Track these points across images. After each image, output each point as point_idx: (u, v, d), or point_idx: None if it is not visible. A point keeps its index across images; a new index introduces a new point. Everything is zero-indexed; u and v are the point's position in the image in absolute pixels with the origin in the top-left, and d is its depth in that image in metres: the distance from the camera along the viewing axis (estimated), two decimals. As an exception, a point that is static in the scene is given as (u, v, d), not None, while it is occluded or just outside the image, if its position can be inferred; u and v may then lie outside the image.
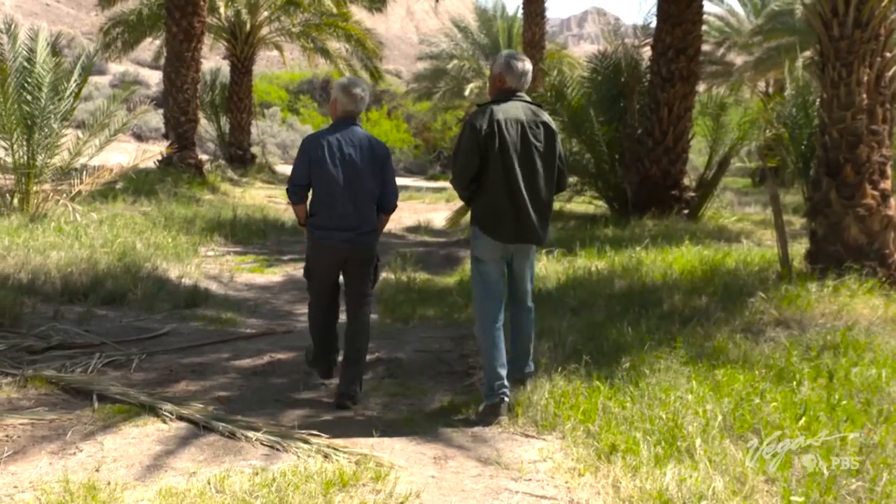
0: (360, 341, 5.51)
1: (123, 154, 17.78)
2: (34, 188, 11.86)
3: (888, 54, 7.97)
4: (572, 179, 14.72)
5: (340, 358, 5.64)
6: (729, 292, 7.56)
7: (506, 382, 4.97)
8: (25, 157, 11.85)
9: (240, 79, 24.48)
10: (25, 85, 11.83)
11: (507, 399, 4.96)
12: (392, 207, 5.65)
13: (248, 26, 24.37)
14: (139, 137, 31.35)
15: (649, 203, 13.64)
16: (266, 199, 18.85)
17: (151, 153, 16.05)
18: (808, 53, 17.65)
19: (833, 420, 4.46)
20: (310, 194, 5.51)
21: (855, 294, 7.09)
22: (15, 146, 11.81)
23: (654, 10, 14.38)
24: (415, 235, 15.40)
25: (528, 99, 5.14)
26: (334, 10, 24.25)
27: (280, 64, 45.89)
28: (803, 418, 4.49)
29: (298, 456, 4.25)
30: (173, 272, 9.37)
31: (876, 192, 7.84)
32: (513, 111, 4.99)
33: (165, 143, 17.82)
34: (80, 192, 12.30)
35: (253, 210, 15.81)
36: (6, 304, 6.93)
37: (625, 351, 5.90)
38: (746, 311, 6.92)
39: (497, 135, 4.88)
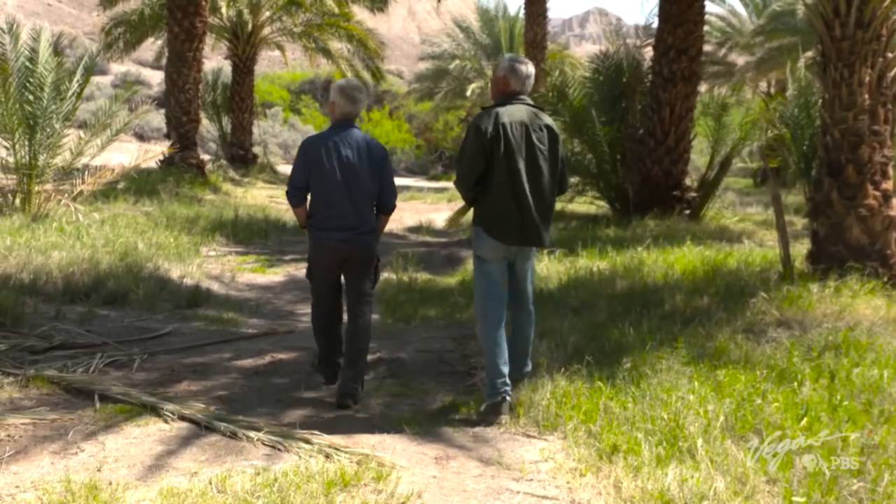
0: (360, 341, 5.52)
1: (125, 154, 17.80)
2: (36, 188, 11.87)
3: (890, 55, 7.96)
4: (574, 180, 14.73)
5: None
6: (730, 293, 7.56)
7: (508, 381, 4.98)
8: (27, 157, 11.86)
9: (241, 79, 24.49)
10: (27, 85, 11.84)
11: (508, 398, 4.97)
12: (391, 208, 5.67)
13: (250, 26, 24.37)
14: (141, 137, 31.37)
15: (651, 203, 13.64)
16: (268, 199, 18.85)
17: (153, 153, 16.06)
18: (809, 54, 17.67)
19: (834, 421, 4.46)
20: (309, 196, 5.54)
21: (856, 294, 7.08)
22: (17, 146, 11.82)
23: (656, 10, 14.41)
24: (416, 235, 15.40)
25: (531, 102, 5.17)
26: (336, 10, 24.26)
27: (282, 64, 45.92)
28: (805, 419, 4.48)
29: (300, 456, 4.25)
30: (175, 272, 9.37)
31: (878, 193, 7.84)
32: (517, 114, 5.01)
33: (167, 143, 17.85)
34: (81, 192, 12.30)
35: (254, 210, 15.82)
36: (8, 304, 6.93)
37: (626, 351, 5.90)
38: (748, 312, 6.91)
39: (502, 138, 4.91)
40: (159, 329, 7.19)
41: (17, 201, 11.78)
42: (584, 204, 16.45)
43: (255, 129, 26.59)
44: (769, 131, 12.15)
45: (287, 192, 5.60)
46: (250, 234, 13.15)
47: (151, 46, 27.46)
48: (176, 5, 18.23)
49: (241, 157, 24.16)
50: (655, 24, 14.48)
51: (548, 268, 9.48)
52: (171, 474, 4.00)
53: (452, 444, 4.61)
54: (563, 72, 16.81)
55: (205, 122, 22.97)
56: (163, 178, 16.88)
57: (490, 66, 34.93)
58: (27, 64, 11.94)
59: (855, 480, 3.80)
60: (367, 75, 27.11)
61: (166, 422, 4.73)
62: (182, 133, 18.43)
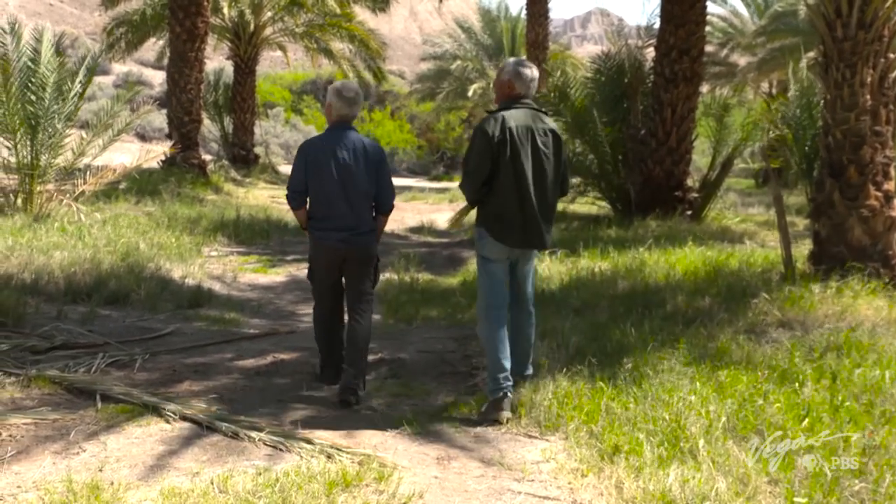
0: (361, 341, 5.54)
1: (127, 154, 17.81)
2: (38, 188, 11.88)
3: (892, 55, 7.96)
4: (576, 180, 14.74)
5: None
6: (732, 293, 7.56)
7: (509, 376, 5.01)
8: (29, 158, 11.88)
9: (243, 79, 24.50)
10: (29, 85, 11.86)
11: (510, 394, 4.98)
12: (389, 208, 5.72)
13: (252, 26, 24.39)
14: (143, 137, 31.43)
15: (652, 204, 13.63)
16: (269, 199, 18.85)
17: (155, 153, 16.09)
18: (811, 54, 17.67)
19: (836, 421, 4.46)
20: (309, 198, 5.60)
21: (858, 295, 7.08)
22: (19, 146, 11.84)
23: (658, 11, 14.39)
24: (418, 236, 15.40)
25: (535, 105, 5.23)
26: (338, 11, 24.27)
27: (283, 64, 45.92)
28: (806, 420, 4.48)
29: (301, 456, 4.26)
30: (177, 272, 9.37)
31: (879, 194, 7.83)
32: (523, 119, 5.07)
33: (169, 144, 17.85)
34: (83, 193, 12.31)
35: (256, 210, 15.82)
36: (10, 304, 6.94)
37: (628, 352, 5.90)
38: (750, 313, 6.91)
39: (509, 142, 4.98)
40: (161, 329, 7.19)
41: (19, 201, 11.80)
42: (586, 204, 16.45)
43: (256, 130, 26.61)
44: (771, 132, 12.14)
45: (287, 196, 5.67)
46: (252, 235, 13.15)
47: (153, 46, 27.48)
48: (178, 5, 18.24)
49: (242, 157, 24.17)
50: (657, 25, 14.47)
51: (549, 268, 9.49)
52: (172, 474, 4.00)
53: (454, 444, 4.61)
54: (564, 72, 16.79)
55: (206, 122, 22.98)
56: (164, 179, 16.89)
57: (492, 66, 34.94)
58: (29, 64, 11.96)
59: (856, 481, 3.80)
60: (368, 76, 27.13)
61: (168, 422, 4.73)
62: (184, 133, 18.43)
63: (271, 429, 4.59)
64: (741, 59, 33.03)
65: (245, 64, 24.41)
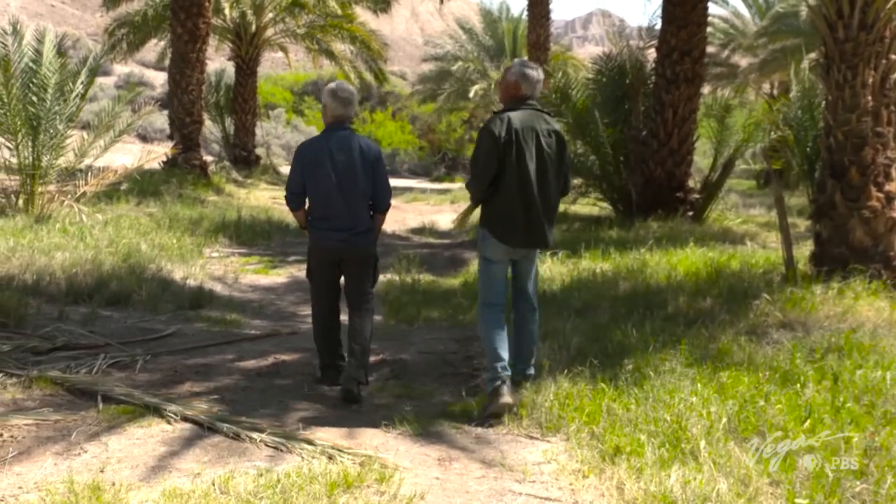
0: (362, 337, 5.59)
1: (128, 155, 17.83)
2: (39, 189, 11.89)
3: (893, 56, 7.96)
4: (577, 181, 14.75)
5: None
6: (733, 294, 7.55)
7: (507, 366, 5.05)
8: (31, 158, 11.89)
9: (244, 80, 24.50)
10: (31, 86, 11.87)
11: (509, 382, 5.01)
12: (386, 207, 5.78)
13: (253, 27, 24.39)
14: (144, 138, 31.44)
15: (654, 205, 13.62)
16: (270, 200, 18.84)
17: (156, 154, 16.09)
18: (813, 55, 17.63)
19: (837, 422, 4.46)
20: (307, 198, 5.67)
21: (859, 296, 7.08)
22: (20, 147, 11.85)
23: (659, 12, 14.38)
24: (419, 237, 15.41)
25: (539, 107, 5.31)
26: (339, 12, 24.26)
27: (285, 65, 45.98)
28: (807, 421, 4.48)
29: (303, 457, 4.26)
30: (178, 273, 9.38)
31: (881, 195, 7.83)
32: (528, 120, 5.15)
33: (170, 145, 17.85)
34: (84, 193, 12.32)
35: (257, 211, 15.83)
36: (11, 305, 6.95)
37: (629, 353, 5.90)
38: (751, 314, 6.91)
39: (514, 143, 5.06)
40: (162, 330, 7.19)
41: (21, 202, 11.81)
42: (587, 205, 16.46)
43: (257, 131, 26.63)
44: (772, 133, 12.12)
45: (285, 198, 5.76)
46: (253, 236, 13.17)
47: (155, 47, 27.50)
48: (179, 6, 18.24)
49: (243, 158, 24.17)
50: (658, 26, 14.47)
51: (551, 269, 9.49)
52: (173, 475, 4.00)
53: (455, 445, 4.61)
54: (566, 73, 16.75)
55: (208, 123, 23.01)
56: (166, 180, 16.89)
57: (493, 67, 34.96)
58: (31, 65, 11.98)
59: (858, 482, 3.80)
60: (369, 77, 27.15)
61: (169, 423, 4.74)
62: (185, 134, 18.44)
63: (272, 430, 4.59)
64: (742, 61, 33.02)
65: (246, 65, 24.42)
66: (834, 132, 7.98)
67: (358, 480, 3.93)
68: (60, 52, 12.84)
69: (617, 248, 10.54)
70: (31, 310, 7.22)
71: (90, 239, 10.06)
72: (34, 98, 11.86)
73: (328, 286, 5.73)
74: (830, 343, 5.95)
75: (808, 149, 9.79)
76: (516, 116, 5.13)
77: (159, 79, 41.08)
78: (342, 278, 5.74)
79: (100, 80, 33.18)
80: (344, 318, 5.89)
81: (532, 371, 5.42)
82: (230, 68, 26.21)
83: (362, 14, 26.33)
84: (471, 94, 34.58)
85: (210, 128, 25.29)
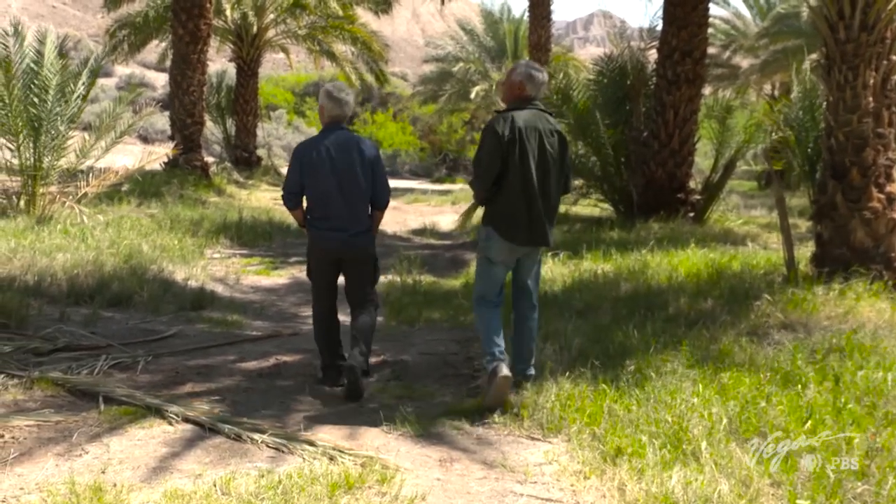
0: (365, 330, 5.68)
1: (129, 156, 17.83)
2: (40, 190, 11.90)
3: (894, 57, 7.96)
4: (578, 182, 14.77)
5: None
6: (734, 295, 7.55)
7: (503, 351, 5.14)
8: (32, 159, 11.90)
9: (246, 81, 24.51)
10: (32, 87, 11.88)
11: (507, 363, 5.07)
12: (384, 204, 5.85)
13: (255, 29, 24.40)
14: (145, 139, 31.45)
15: (655, 206, 13.62)
16: (271, 201, 18.84)
17: (157, 155, 16.11)
18: (814, 56, 17.60)
19: (838, 423, 4.46)
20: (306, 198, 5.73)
21: (861, 297, 7.08)
22: (22, 148, 11.86)
23: (660, 13, 14.39)
24: (420, 238, 15.42)
25: (543, 107, 5.38)
26: (340, 13, 24.27)
27: (286, 66, 46.02)
28: (809, 422, 4.48)
29: (304, 458, 4.26)
30: (179, 274, 9.38)
31: (882, 196, 7.83)
32: (531, 120, 5.22)
33: (171, 146, 17.85)
34: (86, 194, 12.33)
35: (258, 212, 15.83)
36: (12, 306, 6.95)
37: (630, 354, 5.90)
38: (752, 315, 6.91)
39: (518, 142, 5.12)
40: (163, 331, 7.19)
41: (22, 203, 11.81)
42: (589, 206, 16.46)
43: (259, 132, 26.63)
44: (773, 134, 12.12)
45: (283, 197, 5.82)
46: (254, 237, 13.18)
47: (156, 49, 27.49)
48: (180, 7, 18.25)
49: (245, 159, 24.18)
50: (659, 27, 14.48)
51: (552, 270, 9.49)
52: (175, 476, 4.01)
53: (456, 446, 4.61)
54: (567, 74, 16.77)
55: (209, 124, 23.00)
56: (167, 181, 16.91)
57: (494, 69, 34.96)
58: (32, 66, 11.99)
59: (859, 483, 3.80)
60: (371, 78, 27.17)
61: (170, 424, 4.74)
62: (186, 135, 18.45)
63: (274, 431, 4.60)
64: (744, 61, 33.00)
65: (247, 66, 24.42)
66: (835, 133, 7.98)
67: (359, 481, 3.93)
68: (62, 53, 12.85)
69: (618, 249, 10.54)
70: (33, 311, 7.23)
71: (91, 240, 10.06)
72: (35, 99, 11.87)
73: (328, 286, 5.78)
74: (832, 344, 5.95)
75: (809, 150, 9.79)
76: (520, 116, 5.19)
77: (160, 80, 41.12)
78: (342, 279, 5.78)
79: (101, 81, 33.19)
80: (345, 318, 5.90)
81: (533, 372, 5.44)
82: (231, 69, 26.22)
83: (363, 15, 26.34)
84: (472, 96, 34.59)
85: (211, 129, 25.29)
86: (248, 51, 24.29)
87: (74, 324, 7.08)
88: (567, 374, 5.42)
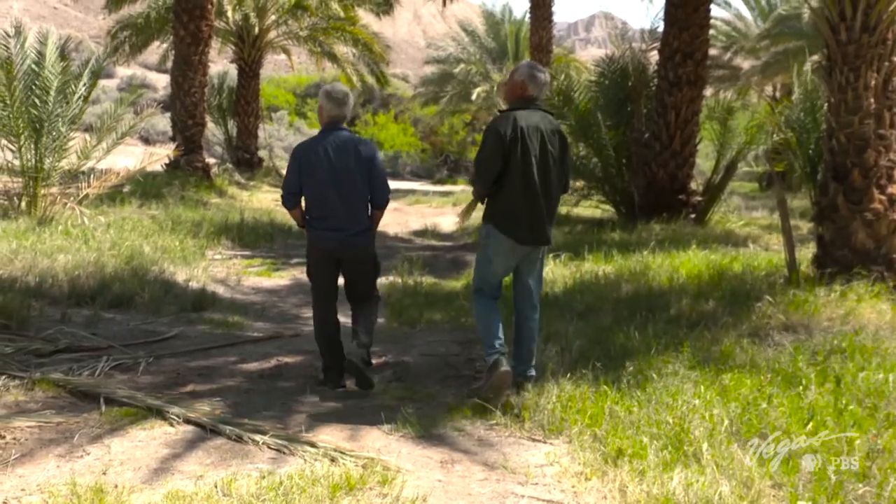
0: (366, 321, 5.77)
1: (131, 157, 17.82)
2: (42, 191, 11.90)
3: (896, 58, 7.96)
4: (579, 183, 14.77)
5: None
6: (736, 297, 7.55)
7: (504, 343, 5.22)
8: (33, 161, 11.90)
9: (247, 82, 24.52)
10: (33, 88, 11.88)
11: (505, 356, 5.15)
12: (384, 203, 5.87)
13: (256, 30, 24.41)
14: (146, 141, 31.47)
15: (656, 207, 13.62)
16: (273, 202, 18.84)
17: (159, 156, 16.12)
18: (815, 58, 17.60)
19: (840, 425, 4.45)
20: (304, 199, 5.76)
21: (862, 299, 7.07)
22: (23, 149, 11.86)
23: (662, 14, 14.38)
24: (421, 239, 15.42)
25: (544, 108, 5.44)
26: (341, 14, 24.29)
27: (287, 67, 46.06)
28: (810, 423, 4.48)
29: (305, 459, 4.26)
30: (180, 275, 9.39)
31: (883, 197, 7.83)
32: (533, 119, 5.27)
33: (172, 147, 17.85)
34: (87, 196, 12.34)
35: (260, 214, 15.84)
36: (14, 307, 6.95)
37: (632, 355, 5.90)
38: (753, 316, 6.91)
39: (520, 141, 5.17)
40: (165, 332, 7.19)
41: (23, 204, 11.82)
42: (590, 208, 16.45)
43: (260, 133, 26.63)
44: (775, 135, 12.11)
45: (282, 197, 5.87)
46: (256, 238, 13.18)
47: (157, 50, 27.50)
48: (182, 9, 18.27)
49: (246, 160, 24.19)
50: (661, 28, 14.49)
51: (553, 271, 9.48)
52: (176, 478, 4.01)
53: (457, 447, 4.61)
54: (568, 76, 16.78)
55: (210, 125, 23.02)
56: (168, 182, 16.92)
57: (495, 70, 34.97)
58: (33, 67, 11.99)
59: (860, 485, 3.79)
60: (372, 79, 27.17)
61: (172, 425, 4.74)
62: (187, 136, 18.46)
63: (275, 432, 4.59)
64: (745, 63, 33.00)
65: (249, 67, 24.44)
66: (836, 134, 7.98)
67: (360, 483, 3.93)
68: (63, 54, 12.85)
69: (619, 250, 10.54)
70: (34, 312, 7.23)
71: (93, 241, 10.07)
72: (37, 100, 11.87)
73: (327, 286, 5.81)
74: (833, 345, 5.95)
75: (810, 151, 9.79)
76: (522, 116, 5.23)
77: (162, 81, 41.12)
78: (341, 279, 5.80)
79: (102, 82, 33.21)
80: (345, 319, 5.90)
81: (533, 373, 5.44)
82: (233, 71, 26.23)
83: (365, 16, 26.35)
84: (473, 97, 34.62)
85: (212, 130, 25.30)
86: (250, 52, 24.31)
87: (76, 325, 7.08)
88: (568, 375, 5.42)
